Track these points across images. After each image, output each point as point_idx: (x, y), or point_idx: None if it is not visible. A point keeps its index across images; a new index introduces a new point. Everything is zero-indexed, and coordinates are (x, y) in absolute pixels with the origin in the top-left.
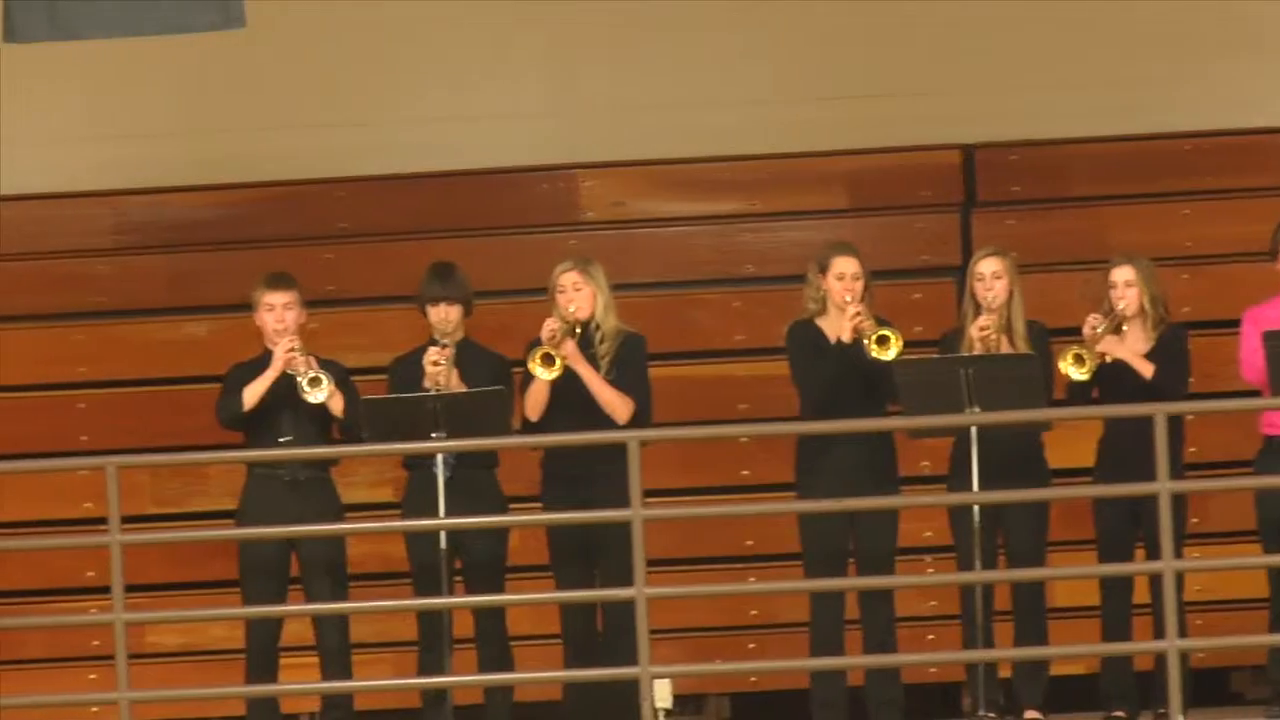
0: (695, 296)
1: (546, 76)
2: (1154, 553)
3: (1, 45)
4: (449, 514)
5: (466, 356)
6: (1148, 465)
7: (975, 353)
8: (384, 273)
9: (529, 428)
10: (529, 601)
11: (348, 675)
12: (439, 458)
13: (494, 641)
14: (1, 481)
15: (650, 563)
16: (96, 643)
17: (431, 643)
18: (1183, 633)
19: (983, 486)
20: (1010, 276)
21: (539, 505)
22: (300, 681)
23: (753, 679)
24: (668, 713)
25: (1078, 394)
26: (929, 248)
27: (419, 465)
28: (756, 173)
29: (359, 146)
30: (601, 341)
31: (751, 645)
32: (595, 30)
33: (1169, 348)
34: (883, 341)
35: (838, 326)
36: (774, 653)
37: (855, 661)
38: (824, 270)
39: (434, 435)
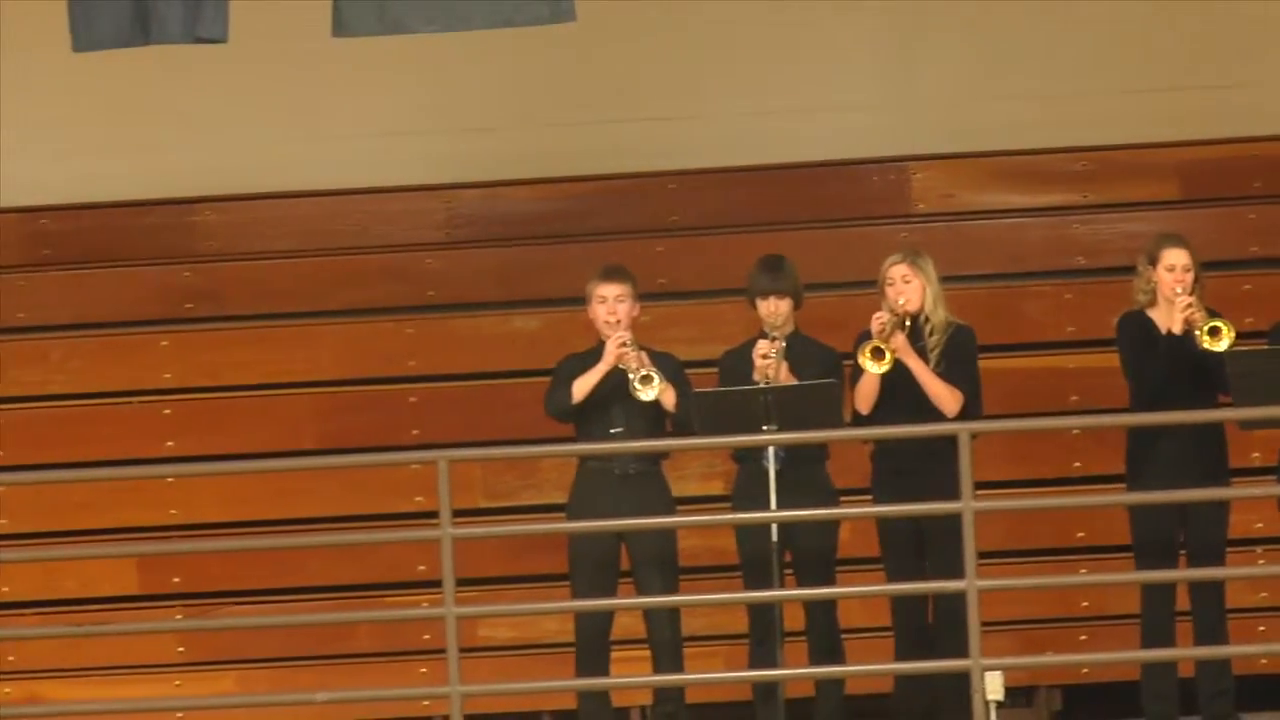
0: (1026, 288)
1: (878, 69)
2: None
3: (333, 40)
4: (780, 507)
5: (797, 349)
6: None
7: None
8: (714, 265)
9: (859, 421)
10: (860, 594)
11: (679, 668)
12: (770, 451)
13: (825, 634)
14: (333, 475)
15: (981, 555)
16: (427, 636)
17: (763, 636)
18: None
19: None
20: None
21: (870, 498)
22: (632, 675)
23: (1084, 670)
24: (999, 705)
25: None
26: (1259, 239)
27: (749, 458)
28: (1087, 164)
29: (690, 139)
30: (931, 334)
31: (1083, 637)
32: (927, 23)
33: None
34: (1214, 333)
35: (1168, 318)
36: (1105, 644)
37: (1186, 653)
38: (1154, 262)
39: (765, 428)
